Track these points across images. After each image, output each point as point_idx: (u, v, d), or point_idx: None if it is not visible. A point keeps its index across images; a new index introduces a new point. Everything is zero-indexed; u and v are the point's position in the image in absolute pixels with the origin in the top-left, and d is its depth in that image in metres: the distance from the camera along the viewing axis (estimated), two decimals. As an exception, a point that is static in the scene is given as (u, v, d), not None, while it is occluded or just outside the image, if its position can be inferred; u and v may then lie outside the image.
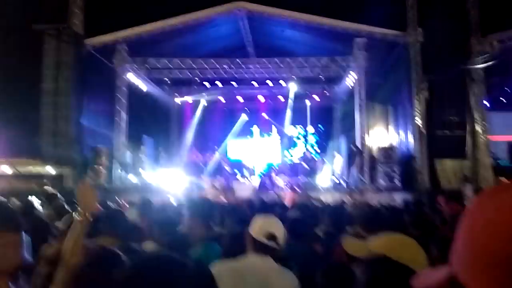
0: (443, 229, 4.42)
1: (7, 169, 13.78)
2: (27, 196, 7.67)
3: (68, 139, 13.65)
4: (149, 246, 2.85)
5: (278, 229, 2.30)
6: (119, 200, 8.69)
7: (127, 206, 7.19)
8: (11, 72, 16.20)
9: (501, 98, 16.13)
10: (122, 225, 3.24)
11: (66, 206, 5.72)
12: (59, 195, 6.92)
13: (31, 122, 14.55)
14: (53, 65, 13.96)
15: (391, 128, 15.61)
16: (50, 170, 13.78)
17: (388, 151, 13.89)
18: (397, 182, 13.40)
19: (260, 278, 2.16)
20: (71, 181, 14.05)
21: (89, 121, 14.69)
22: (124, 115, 15.76)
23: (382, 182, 13.49)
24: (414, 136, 13.39)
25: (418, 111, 13.56)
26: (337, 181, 15.66)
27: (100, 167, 14.11)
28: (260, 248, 2.23)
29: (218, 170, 16.68)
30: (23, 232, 0.73)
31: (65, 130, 13.71)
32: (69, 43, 14.09)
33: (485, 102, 13.55)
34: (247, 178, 15.97)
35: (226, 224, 4.21)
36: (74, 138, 13.80)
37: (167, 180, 16.76)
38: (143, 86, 17.32)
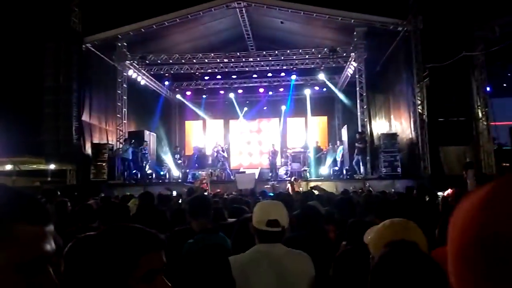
0: (445, 214, 4.44)
1: (11, 168, 13.87)
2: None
3: (70, 136, 13.67)
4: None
5: (279, 212, 2.24)
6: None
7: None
8: (13, 72, 16.25)
9: (503, 84, 16.03)
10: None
11: (68, 202, 5.73)
12: (58, 192, 6.90)
13: (34, 121, 14.63)
14: (54, 63, 13.96)
15: (392, 116, 15.56)
16: (52, 167, 13.85)
17: (389, 139, 13.86)
18: (398, 169, 13.38)
19: (273, 266, 2.12)
20: (74, 177, 14.13)
21: (90, 117, 14.73)
22: (125, 111, 15.79)
23: (384, 170, 13.48)
24: (415, 124, 13.34)
25: (420, 99, 13.49)
26: (339, 170, 15.64)
27: (103, 163, 14.16)
28: (265, 236, 2.18)
29: (220, 162, 16.68)
30: (50, 224, 0.74)
31: (67, 128, 13.74)
32: (69, 42, 14.08)
33: (487, 88, 13.46)
34: (249, 169, 15.99)
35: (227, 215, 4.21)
36: (75, 136, 13.83)
37: (168, 173, 16.83)
38: (143, 81, 17.31)
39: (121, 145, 15.10)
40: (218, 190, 10.38)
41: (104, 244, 1.04)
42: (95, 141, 14.77)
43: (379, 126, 16.86)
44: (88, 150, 14.42)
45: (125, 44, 15.25)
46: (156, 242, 1.04)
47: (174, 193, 10.28)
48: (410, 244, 1.25)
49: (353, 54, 15.01)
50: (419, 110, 13.36)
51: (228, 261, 1.89)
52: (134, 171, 15.02)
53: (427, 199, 6.51)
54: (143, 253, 1.00)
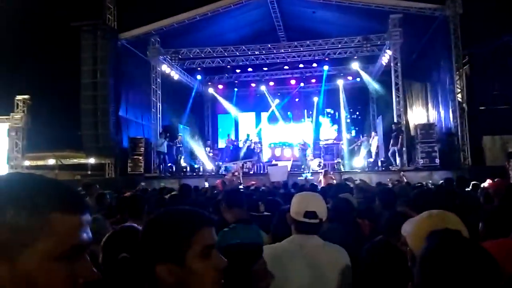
0: (488, 206, 4.24)
1: (53, 162, 14.49)
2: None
3: (107, 131, 14.12)
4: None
5: (317, 204, 2.24)
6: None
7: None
8: (52, 69, 16.93)
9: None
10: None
11: (107, 195, 5.92)
12: (97, 185, 7.15)
13: (73, 116, 15.21)
14: (91, 60, 14.41)
15: (430, 105, 15.04)
16: (92, 161, 14.36)
17: (427, 129, 13.41)
18: (436, 160, 12.95)
19: (309, 258, 2.13)
20: (112, 171, 14.61)
21: (126, 112, 15.14)
22: (159, 106, 16.11)
23: (421, 161, 13.08)
24: (455, 113, 12.83)
25: (459, 87, 12.96)
26: (374, 162, 15.32)
27: (139, 157, 14.56)
28: (302, 227, 2.19)
29: (252, 155, 16.74)
30: (86, 213, 0.76)
31: (105, 123, 14.19)
32: (104, 38, 14.48)
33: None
34: (281, 161, 15.96)
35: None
36: (113, 130, 14.26)
37: (202, 166, 17.08)
38: (176, 76, 17.58)
39: (156, 139, 15.45)
40: (253, 182, 10.43)
41: (159, 226, 1.07)
42: (132, 135, 15.19)
43: (416, 116, 16.35)
44: (125, 144, 14.87)
45: (158, 39, 15.52)
46: (206, 218, 1.09)
47: (206, 184, 10.47)
48: (454, 232, 1.21)
49: (388, 42, 14.57)
50: (459, 99, 12.85)
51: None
52: (169, 164, 15.34)
53: (468, 190, 6.26)
54: (196, 230, 1.05)
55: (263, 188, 8.12)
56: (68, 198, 0.74)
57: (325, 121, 20.45)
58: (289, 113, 20.73)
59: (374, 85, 18.32)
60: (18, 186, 0.72)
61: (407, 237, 1.54)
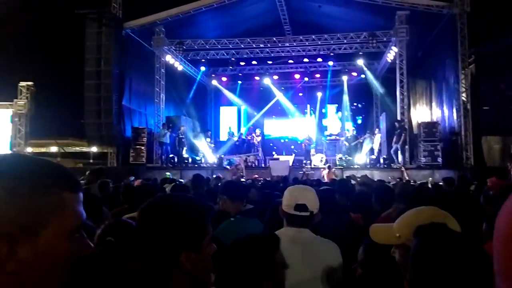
0: (490, 208, 4.22)
1: (55, 150, 14.50)
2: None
3: (110, 120, 14.11)
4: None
5: (308, 197, 2.24)
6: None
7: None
8: (56, 56, 16.89)
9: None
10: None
11: (110, 183, 5.92)
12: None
13: (76, 104, 15.21)
14: (95, 48, 14.36)
15: (434, 104, 14.99)
16: (94, 149, 14.37)
17: (430, 128, 13.38)
18: (439, 159, 12.93)
19: (301, 247, 2.14)
20: (114, 160, 14.63)
21: (130, 102, 15.12)
22: (163, 96, 16.08)
23: (423, 159, 13.06)
24: (458, 112, 12.79)
25: (464, 86, 12.89)
26: (376, 159, 15.29)
27: (142, 147, 14.56)
28: (293, 220, 2.20)
29: (253, 149, 16.73)
30: (80, 191, 0.78)
31: (108, 112, 14.17)
32: (109, 27, 14.41)
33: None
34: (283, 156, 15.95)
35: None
36: (116, 119, 14.25)
37: (204, 158, 17.09)
38: (180, 67, 17.52)
39: (159, 130, 15.46)
40: (256, 176, 10.46)
41: (177, 216, 1.13)
42: (135, 125, 15.19)
43: (419, 114, 16.30)
44: (128, 133, 14.87)
45: (163, 29, 15.45)
46: (211, 208, 1.21)
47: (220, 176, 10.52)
48: (440, 225, 1.21)
49: (394, 38, 14.48)
50: (463, 98, 12.79)
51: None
52: (171, 155, 15.36)
53: (471, 190, 6.23)
54: (209, 220, 1.16)
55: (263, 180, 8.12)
56: (70, 177, 0.76)
57: (328, 116, 20.40)
58: (292, 106, 20.62)
59: (375, 83, 18.20)
60: (26, 167, 0.72)
61: (400, 233, 1.53)
